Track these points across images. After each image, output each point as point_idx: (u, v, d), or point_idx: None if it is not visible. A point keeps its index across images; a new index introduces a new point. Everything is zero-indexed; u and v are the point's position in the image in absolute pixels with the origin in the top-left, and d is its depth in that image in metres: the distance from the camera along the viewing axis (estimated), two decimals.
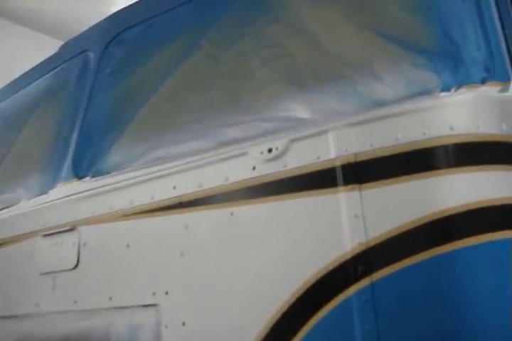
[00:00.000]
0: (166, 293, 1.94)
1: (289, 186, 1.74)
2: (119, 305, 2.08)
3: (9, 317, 2.52)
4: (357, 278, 1.55)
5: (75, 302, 2.23)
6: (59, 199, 2.46)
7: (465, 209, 1.50)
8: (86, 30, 3.00)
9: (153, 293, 1.97)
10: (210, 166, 1.94)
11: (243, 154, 1.86)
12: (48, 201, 2.51)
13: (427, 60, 1.70)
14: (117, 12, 2.82)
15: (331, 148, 1.68)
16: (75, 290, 2.25)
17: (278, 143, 1.79)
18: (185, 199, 1.97)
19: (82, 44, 2.93)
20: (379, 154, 1.60)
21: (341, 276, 1.57)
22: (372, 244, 1.55)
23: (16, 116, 3.22)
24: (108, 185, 2.26)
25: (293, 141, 1.76)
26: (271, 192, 1.78)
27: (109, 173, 2.32)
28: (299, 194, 1.72)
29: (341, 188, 1.63)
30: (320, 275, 1.61)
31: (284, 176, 1.76)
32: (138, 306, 2.02)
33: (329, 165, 1.67)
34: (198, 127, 2.11)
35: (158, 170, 2.08)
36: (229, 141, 1.98)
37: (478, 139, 1.57)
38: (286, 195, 1.74)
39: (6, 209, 2.79)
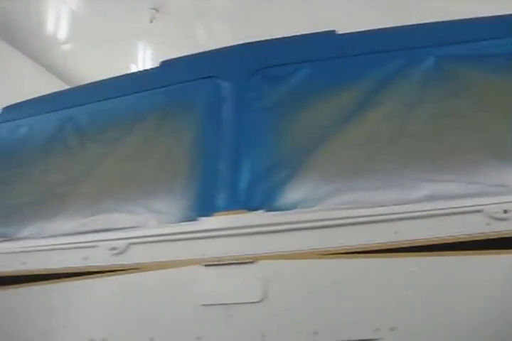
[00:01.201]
0: (392, 330, 2.13)
1: None
2: (328, 339, 2.18)
3: None
4: None
5: (263, 335, 2.25)
6: (224, 229, 2.42)
7: None
8: (223, 53, 2.93)
9: (376, 329, 2.14)
10: (438, 217, 2.20)
11: (478, 211, 2.17)
12: (206, 229, 2.45)
13: None
14: (255, 44, 2.85)
15: None
16: (262, 324, 2.26)
17: None
18: (410, 244, 2.19)
19: (205, 68, 2.89)
20: None
21: None
22: None
23: (106, 126, 2.97)
24: (300, 222, 2.34)
25: None
26: (504, 246, 2.13)
27: (291, 209, 2.40)
28: None
29: None
30: None
31: None
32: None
33: None
34: (405, 177, 2.35)
35: (376, 214, 2.26)
36: (441, 197, 2.27)
37: None
38: None
39: (123, 231, 2.60)
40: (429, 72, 2.58)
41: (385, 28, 2.75)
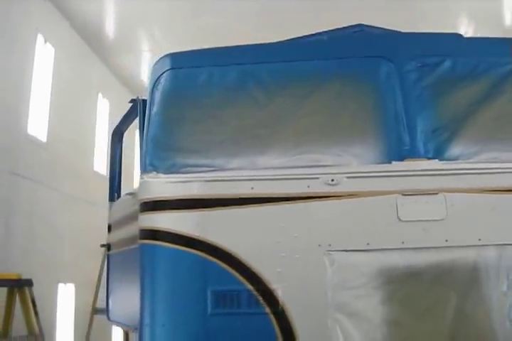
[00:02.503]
0: None
1: None
2: (487, 243, 3.38)
3: (368, 250, 3.33)
4: None
5: (446, 240, 3.37)
6: (412, 170, 3.46)
7: None
8: (389, 38, 3.90)
9: None
10: None
11: None
12: (400, 170, 3.46)
13: None
14: (415, 35, 3.87)
15: None
16: (446, 233, 3.38)
17: None
18: None
19: (373, 48, 3.79)
20: None
21: None
22: None
23: (289, 84, 3.70)
24: (464, 169, 3.48)
25: None
26: None
27: (456, 160, 3.52)
28: None
29: None
30: None
31: None
32: (505, 245, 3.39)
33: None
34: None
35: None
36: None
37: None
38: None
39: (331, 168, 3.47)
40: None
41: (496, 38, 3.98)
